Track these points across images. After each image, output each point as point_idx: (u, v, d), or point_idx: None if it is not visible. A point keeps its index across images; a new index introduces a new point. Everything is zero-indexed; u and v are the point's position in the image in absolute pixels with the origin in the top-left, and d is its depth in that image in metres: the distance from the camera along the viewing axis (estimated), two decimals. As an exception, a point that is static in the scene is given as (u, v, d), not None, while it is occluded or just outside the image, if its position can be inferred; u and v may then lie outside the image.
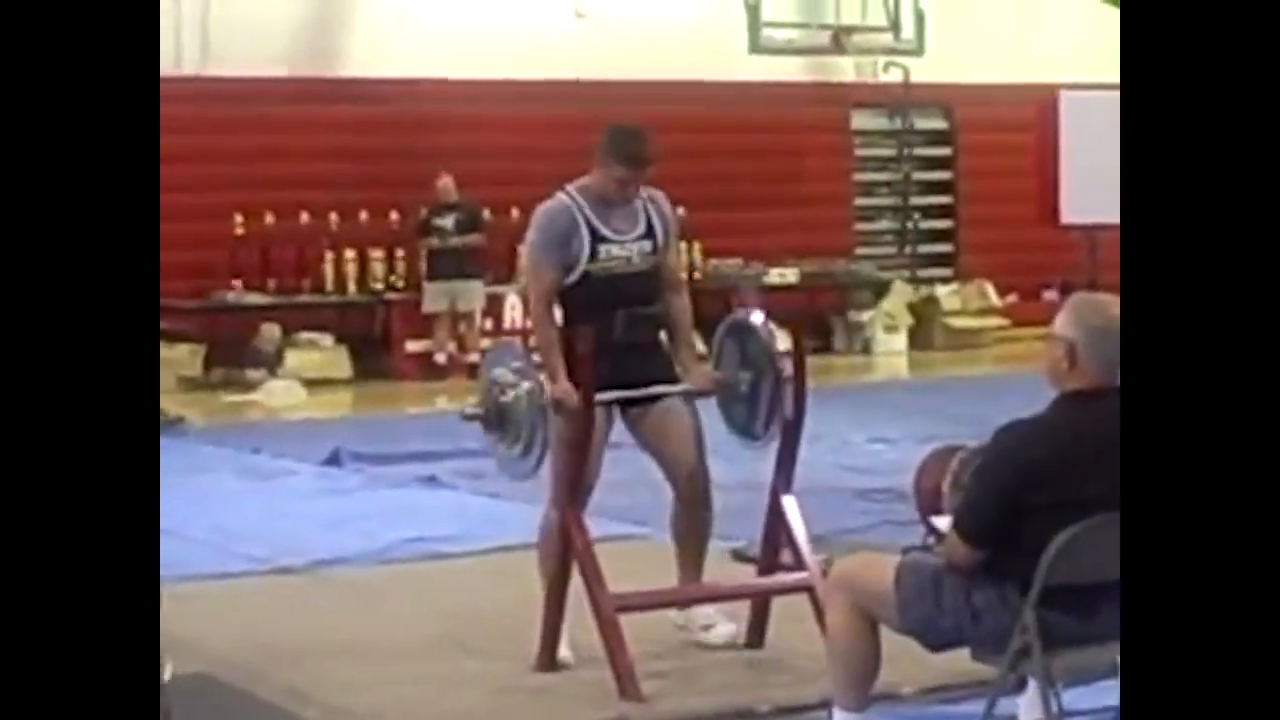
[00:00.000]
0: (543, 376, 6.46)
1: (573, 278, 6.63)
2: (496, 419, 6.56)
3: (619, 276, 6.65)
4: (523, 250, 6.75)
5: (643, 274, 6.71)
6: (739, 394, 6.77)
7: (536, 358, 6.61)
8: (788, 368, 6.66)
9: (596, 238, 6.63)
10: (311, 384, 17.85)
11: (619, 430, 6.77)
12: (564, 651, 6.56)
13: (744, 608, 6.86)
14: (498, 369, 6.61)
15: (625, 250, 6.67)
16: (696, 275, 19.58)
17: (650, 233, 6.74)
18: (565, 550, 6.41)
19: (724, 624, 6.88)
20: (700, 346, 7.16)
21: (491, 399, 6.56)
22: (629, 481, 7.05)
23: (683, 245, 18.80)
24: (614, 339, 6.48)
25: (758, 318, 6.85)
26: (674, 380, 6.79)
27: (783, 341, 6.81)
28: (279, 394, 17.31)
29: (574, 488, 6.42)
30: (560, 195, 6.72)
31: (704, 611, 6.90)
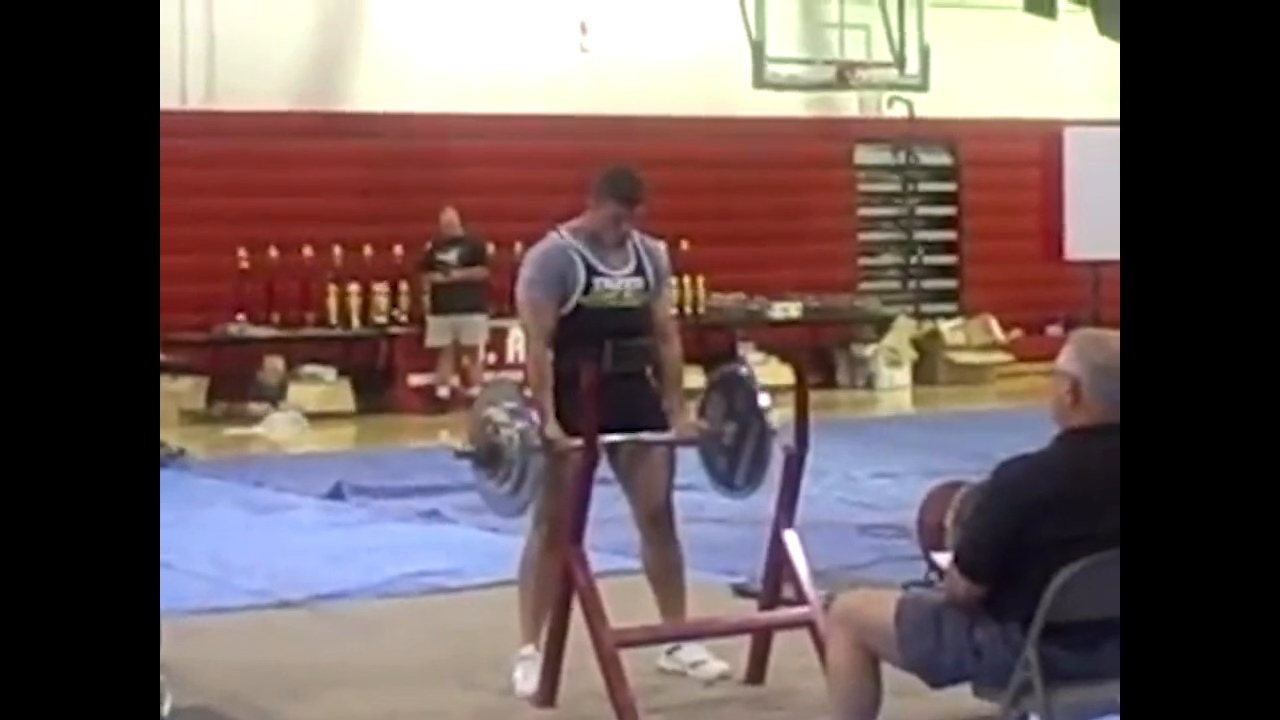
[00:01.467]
0: (534, 414, 6.49)
1: (565, 310, 6.72)
2: (488, 457, 6.60)
3: (610, 310, 6.74)
4: (519, 290, 6.79)
5: (633, 309, 6.82)
6: (722, 446, 6.81)
7: (527, 392, 6.65)
8: (773, 423, 6.68)
9: (591, 272, 6.74)
10: (314, 417, 17.84)
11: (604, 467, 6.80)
12: (528, 684, 6.60)
13: (743, 644, 6.84)
14: (491, 408, 6.64)
15: (617, 285, 6.77)
16: (700, 309, 19.60)
17: (641, 271, 6.85)
18: (566, 587, 6.41)
19: (714, 662, 6.87)
20: (700, 381, 7.17)
21: (484, 437, 6.60)
22: (623, 517, 7.03)
23: (685, 280, 18.92)
24: (603, 371, 6.50)
25: (746, 370, 6.93)
26: (662, 420, 6.85)
27: (784, 376, 6.82)
28: (281, 427, 17.32)
29: (574, 525, 6.42)
30: (553, 235, 6.85)
31: (694, 650, 6.90)
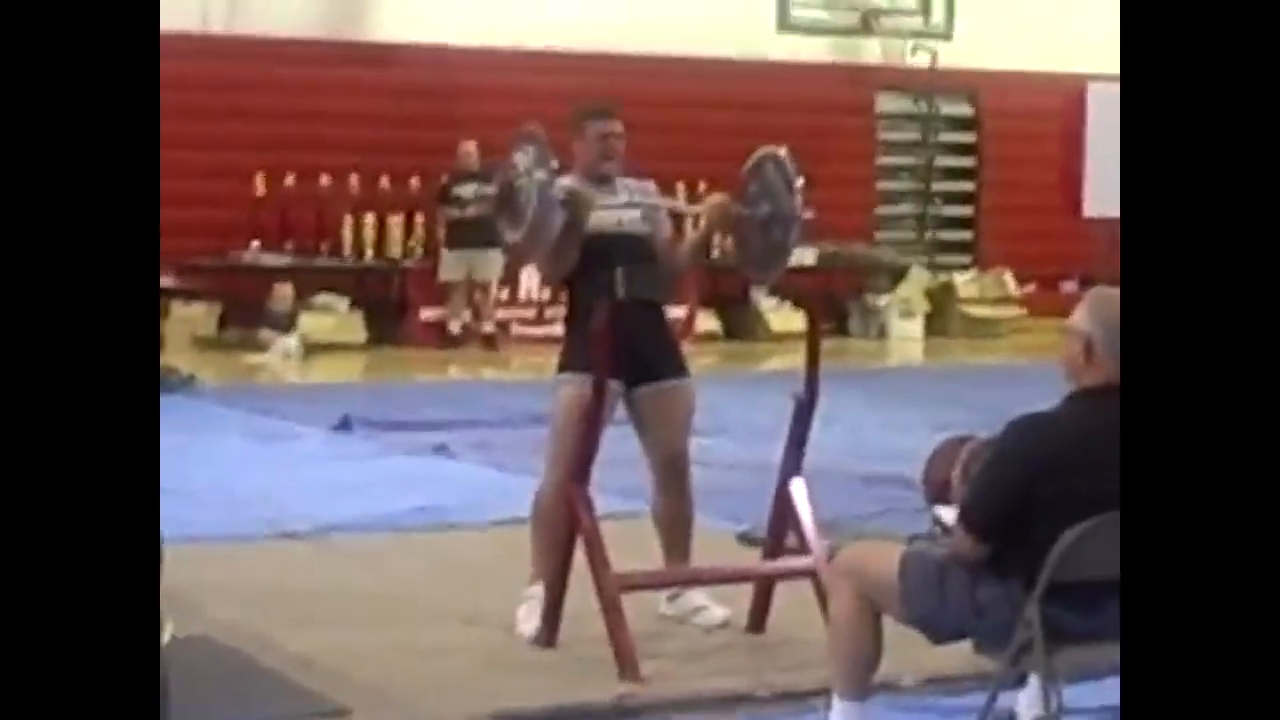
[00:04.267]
0: (555, 165, 6.53)
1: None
2: (505, 199, 6.63)
3: (612, 237, 6.75)
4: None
5: (635, 235, 6.82)
6: (755, 223, 6.82)
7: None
8: (802, 208, 6.73)
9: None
10: (325, 348, 17.85)
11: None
12: (529, 626, 6.61)
13: (745, 591, 6.84)
14: (518, 153, 6.65)
15: (614, 214, 6.79)
16: (714, 253, 19.56)
17: (635, 205, 6.87)
18: (570, 527, 6.41)
19: (715, 608, 6.88)
20: (715, 325, 7.18)
21: (505, 179, 6.64)
22: (632, 458, 7.02)
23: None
24: (617, 298, 6.49)
25: (784, 151, 6.94)
26: (679, 358, 6.86)
27: (796, 323, 6.82)
28: (280, 355, 17.35)
29: (581, 465, 6.41)
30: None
31: (695, 597, 6.90)
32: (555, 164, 6.52)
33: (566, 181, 6.67)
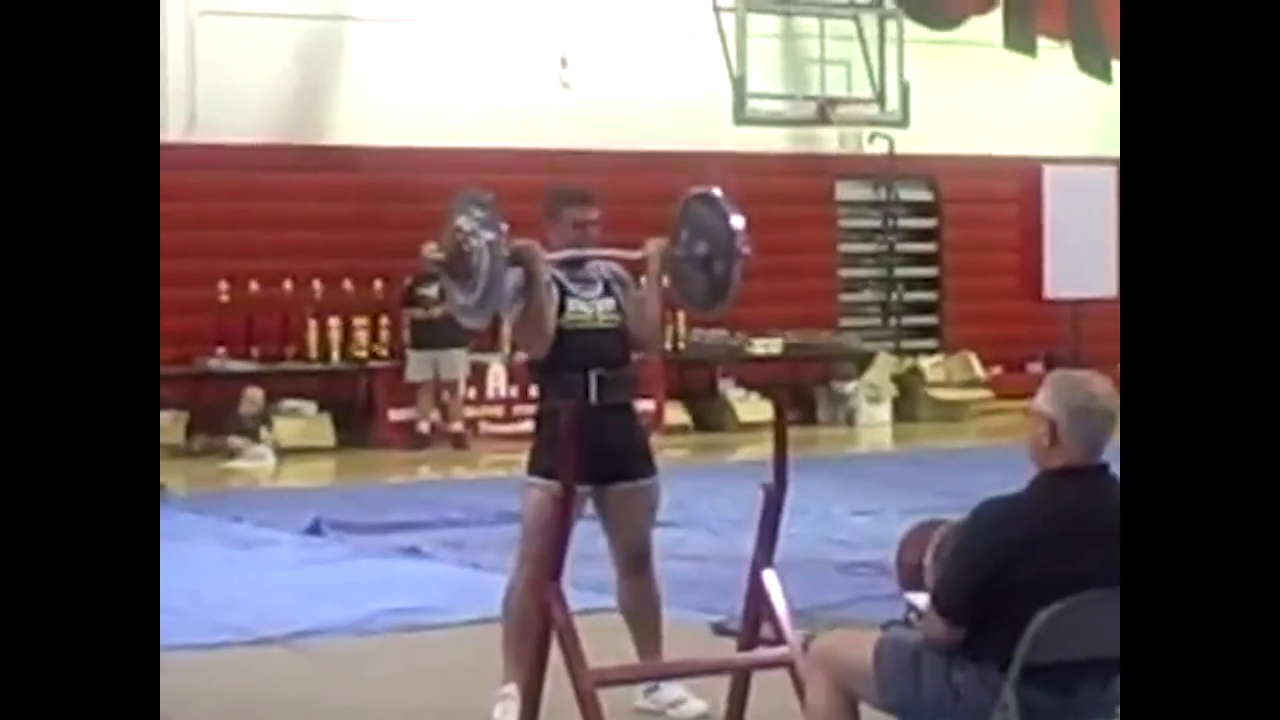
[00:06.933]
0: (505, 227, 6.51)
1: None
2: (456, 265, 6.61)
3: (587, 333, 6.76)
4: (511, 318, 6.80)
5: (610, 332, 6.83)
6: (693, 263, 6.88)
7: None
8: (745, 245, 6.76)
9: (564, 292, 6.79)
10: (294, 452, 17.81)
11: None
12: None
13: (722, 683, 6.82)
14: (461, 217, 6.64)
15: (590, 307, 6.81)
16: (680, 345, 19.61)
17: (610, 292, 6.88)
18: (544, 624, 6.39)
19: (693, 701, 6.86)
20: (685, 417, 7.18)
21: (454, 244, 6.60)
22: (603, 555, 7.02)
23: (667, 315, 18.90)
24: (586, 406, 6.49)
25: (718, 191, 7.06)
26: (646, 457, 6.87)
27: (764, 413, 6.84)
28: (255, 461, 17.30)
29: (553, 563, 6.40)
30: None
31: (673, 689, 6.88)
32: (505, 225, 6.51)
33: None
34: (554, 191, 7.00)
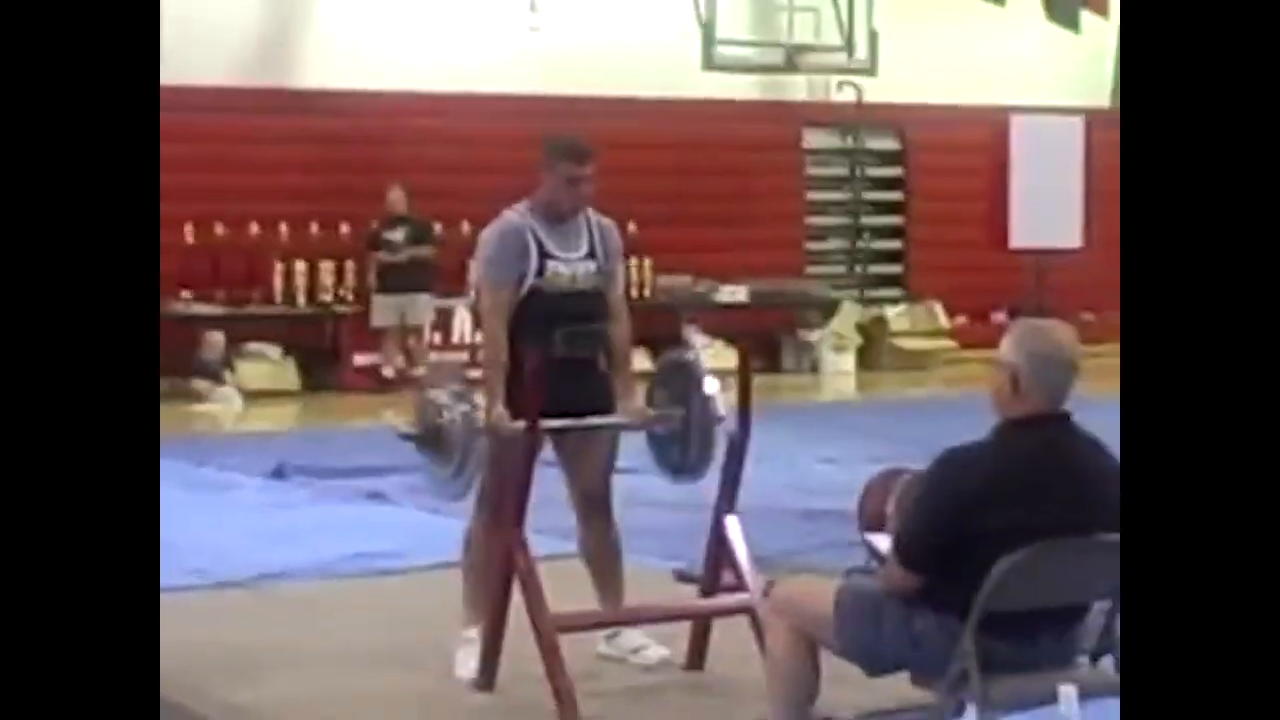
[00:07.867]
0: (478, 397, 6.49)
1: (520, 293, 6.67)
2: (432, 440, 6.58)
3: (563, 294, 6.71)
4: (473, 268, 6.79)
5: (586, 293, 6.79)
6: (669, 432, 6.82)
7: (477, 373, 6.65)
8: (720, 409, 6.69)
9: (544, 254, 6.71)
10: (259, 396, 17.78)
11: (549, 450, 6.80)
12: (467, 669, 6.61)
13: (683, 630, 6.85)
14: (435, 390, 6.65)
15: (570, 269, 6.74)
16: (646, 292, 19.59)
17: (593, 254, 6.82)
18: (506, 569, 6.41)
19: (654, 647, 6.88)
20: (648, 364, 7.17)
21: (428, 419, 6.59)
22: (566, 500, 7.03)
23: (633, 261, 18.88)
24: (554, 356, 6.49)
25: (693, 355, 7.00)
26: (610, 404, 6.83)
27: (730, 360, 6.83)
28: (222, 404, 17.27)
29: (516, 508, 6.41)
30: (509, 214, 6.80)
31: (633, 636, 6.90)
32: (477, 400, 6.51)
33: (501, 410, 6.58)
34: (551, 142, 6.89)
